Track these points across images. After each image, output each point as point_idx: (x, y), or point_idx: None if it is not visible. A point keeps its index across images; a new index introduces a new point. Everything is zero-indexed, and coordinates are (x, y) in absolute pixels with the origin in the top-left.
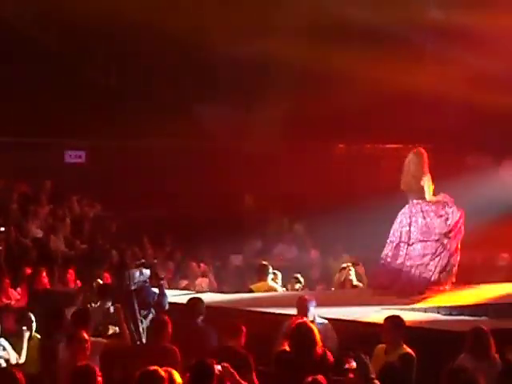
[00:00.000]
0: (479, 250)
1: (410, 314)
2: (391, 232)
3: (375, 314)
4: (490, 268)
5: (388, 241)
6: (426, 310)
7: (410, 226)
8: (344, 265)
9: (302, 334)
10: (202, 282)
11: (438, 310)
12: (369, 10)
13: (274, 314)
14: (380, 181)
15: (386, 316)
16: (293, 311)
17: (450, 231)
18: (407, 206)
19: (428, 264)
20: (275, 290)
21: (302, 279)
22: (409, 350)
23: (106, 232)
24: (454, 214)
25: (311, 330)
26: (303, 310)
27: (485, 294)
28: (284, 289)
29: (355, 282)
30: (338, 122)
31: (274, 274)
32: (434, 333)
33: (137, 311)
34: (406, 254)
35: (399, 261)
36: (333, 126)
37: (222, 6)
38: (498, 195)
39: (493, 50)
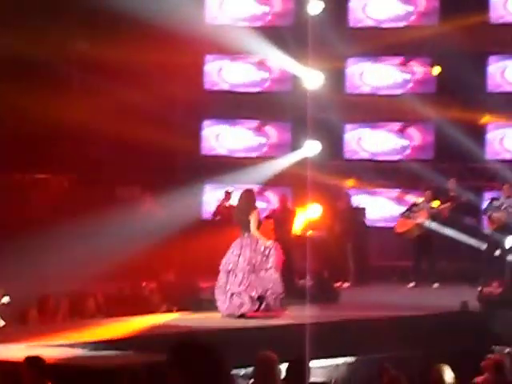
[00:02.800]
0: (127, 281)
1: (56, 350)
2: (224, 261)
3: (17, 353)
4: (138, 299)
5: (221, 269)
6: (73, 346)
7: (239, 256)
8: None
9: None
10: None
11: (84, 345)
12: (17, 38)
13: None
14: (31, 211)
15: (26, 356)
16: None
17: (272, 264)
18: (239, 238)
19: (246, 292)
20: None
21: None
22: None
23: None
24: (274, 249)
25: None
26: None
27: (132, 326)
28: None
29: None
30: None
31: None
32: (78, 369)
33: None
34: (233, 281)
35: (228, 287)
36: None
37: None
38: (144, 226)
39: (142, 84)
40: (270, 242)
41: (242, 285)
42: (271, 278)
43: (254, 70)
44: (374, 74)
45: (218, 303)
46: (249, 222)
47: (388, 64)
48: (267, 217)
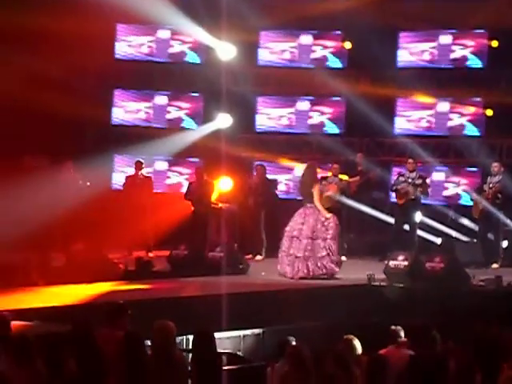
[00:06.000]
0: (34, 251)
1: None
2: (288, 228)
3: None
4: (46, 269)
5: (285, 235)
6: None
7: (302, 224)
8: None
9: None
10: None
11: None
12: None
13: None
14: None
15: None
16: None
17: (331, 236)
18: (302, 207)
19: (308, 256)
20: None
21: None
22: None
23: None
24: (333, 222)
25: None
26: None
27: (38, 296)
28: None
29: None
30: None
31: None
32: None
33: None
34: (297, 246)
35: (291, 251)
36: None
37: None
38: (56, 196)
39: (51, 52)
40: (329, 215)
41: (306, 250)
42: (329, 247)
43: (166, 40)
44: (286, 46)
45: (281, 266)
46: (312, 194)
47: (300, 37)
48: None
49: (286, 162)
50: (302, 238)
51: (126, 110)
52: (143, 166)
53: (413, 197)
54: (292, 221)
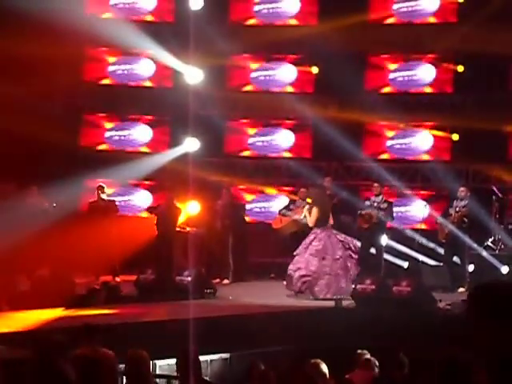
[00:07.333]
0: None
1: None
2: (299, 249)
3: None
4: (11, 294)
5: (296, 255)
6: None
7: (311, 242)
8: None
9: None
10: None
11: None
12: None
13: None
14: None
15: None
16: None
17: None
18: (321, 231)
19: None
20: None
21: None
22: None
23: None
24: (353, 243)
25: None
26: None
27: (3, 321)
28: None
29: None
30: None
31: None
32: None
33: None
34: (307, 262)
35: (311, 268)
36: None
37: None
38: (21, 220)
39: (16, 74)
40: (343, 236)
41: (332, 269)
42: (340, 267)
43: (134, 64)
44: (254, 71)
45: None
46: (328, 218)
47: (268, 62)
48: (151, 212)
49: (254, 186)
50: (327, 258)
51: (95, 133)
52: (105, 190)
53: (376, 221)
54: (305, 243)
